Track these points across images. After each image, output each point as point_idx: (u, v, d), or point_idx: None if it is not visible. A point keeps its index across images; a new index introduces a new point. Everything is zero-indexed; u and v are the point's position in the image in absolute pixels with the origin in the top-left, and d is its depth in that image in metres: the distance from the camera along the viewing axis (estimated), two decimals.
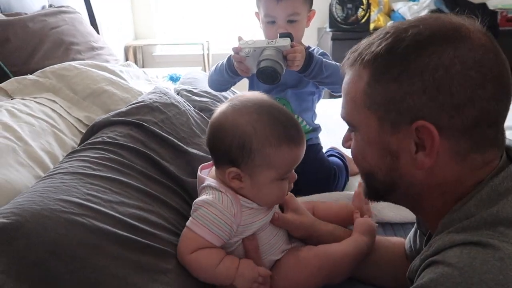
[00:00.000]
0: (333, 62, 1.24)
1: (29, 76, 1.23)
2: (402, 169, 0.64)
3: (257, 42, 1.16)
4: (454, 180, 0.62)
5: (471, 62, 0.58)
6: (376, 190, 0.70)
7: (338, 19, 2.85)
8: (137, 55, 3.39)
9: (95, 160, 0.88)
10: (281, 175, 0.81)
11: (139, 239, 0.76)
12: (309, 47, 1.31)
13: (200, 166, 0.92)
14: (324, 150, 1.44)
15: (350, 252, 0.86)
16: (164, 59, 3.48)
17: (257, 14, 1.31)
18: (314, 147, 1.37)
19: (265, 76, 1.12)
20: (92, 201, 0.76)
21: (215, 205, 0.79)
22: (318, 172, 1.30)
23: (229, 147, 0.78)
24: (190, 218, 0.81)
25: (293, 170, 0.84)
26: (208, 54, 3.28)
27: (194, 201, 0.84)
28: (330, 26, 2.86)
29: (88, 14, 2.30)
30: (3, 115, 1.00)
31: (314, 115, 1.41)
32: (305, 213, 0.91)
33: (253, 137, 0.77)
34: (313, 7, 1.30)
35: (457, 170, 0.62)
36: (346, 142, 0.74)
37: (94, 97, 1.25)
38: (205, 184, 0.85)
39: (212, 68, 1.33)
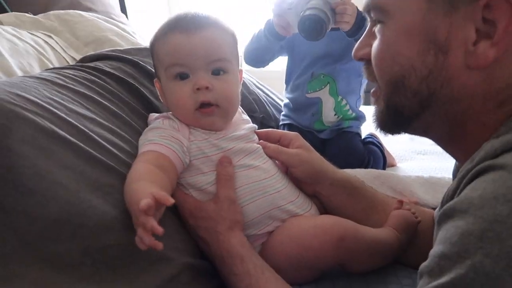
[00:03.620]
0: None
1: (30, 15, 1.14)
2: (449, 69, 0.48)
3: None
4: None
5: None
6: (401, 110, 0.52)
7: None
8: None
9: (73, 76, 0.74)
10: (170, 71, 0.68)
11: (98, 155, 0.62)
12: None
13: None
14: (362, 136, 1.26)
15: (381, 239, 0.68)
16: None
17: None
18: (350, 134, 1.19)
19: (309, 27, 0.98)
20: (53, 105, 0.62)
21: (156, 125, 0.70)
22: (348, 160, 1.11)
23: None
24: None
25: (199, 75, 0.67)
26: None
27: None
28: None
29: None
30: None
31: (359, 100, 1.24)
32: (315, 152, 0.74)
33: (152, 39, 0.72)
34: None
35: None
36: (360, 50, 0.56)
37: (96, 45, 1.13)
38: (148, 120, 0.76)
39: (249, 41, 1.19)
